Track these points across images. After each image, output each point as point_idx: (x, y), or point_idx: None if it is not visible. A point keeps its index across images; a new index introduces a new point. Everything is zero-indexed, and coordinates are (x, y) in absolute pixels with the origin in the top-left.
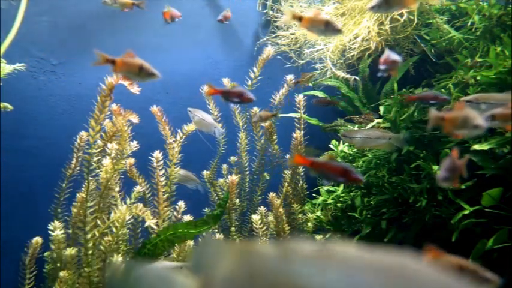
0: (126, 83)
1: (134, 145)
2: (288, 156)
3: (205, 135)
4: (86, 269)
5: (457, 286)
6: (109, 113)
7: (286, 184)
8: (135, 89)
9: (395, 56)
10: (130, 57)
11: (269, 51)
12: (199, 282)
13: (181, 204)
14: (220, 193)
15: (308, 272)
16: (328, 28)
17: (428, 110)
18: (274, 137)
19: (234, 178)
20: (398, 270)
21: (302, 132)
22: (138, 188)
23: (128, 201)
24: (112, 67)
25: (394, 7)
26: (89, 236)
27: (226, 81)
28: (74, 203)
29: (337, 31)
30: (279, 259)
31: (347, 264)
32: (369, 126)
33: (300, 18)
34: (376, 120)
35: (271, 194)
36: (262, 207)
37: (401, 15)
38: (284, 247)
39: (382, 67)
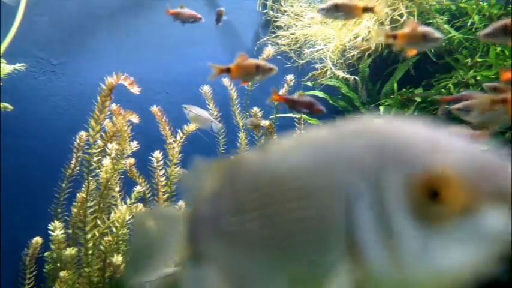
0: (126, 83)
1: (134, 145)
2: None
3: (206, 133)
4: (86, 269)
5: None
6: (109, 113)
7: None
8: (135, 89)
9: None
10: (243, 60)
11: (269, 51)
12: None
13: (182, 204)
14: None
15: (278, 160)
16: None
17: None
18: (274, 137)
19: None
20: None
21: (302, 132)
22: (138, 188)
23: (128, 201)
24: (230, 75)
25: (341, 15)
26: (89, 236)
27: (226, 82)
28: (74, 203)
29: (436, 40)
30: (258, 159)
31: (308, 145)
32: None
33: (394, 36)
34: None
35: None
36: None
37: (401, 15)
38: (263, 148)
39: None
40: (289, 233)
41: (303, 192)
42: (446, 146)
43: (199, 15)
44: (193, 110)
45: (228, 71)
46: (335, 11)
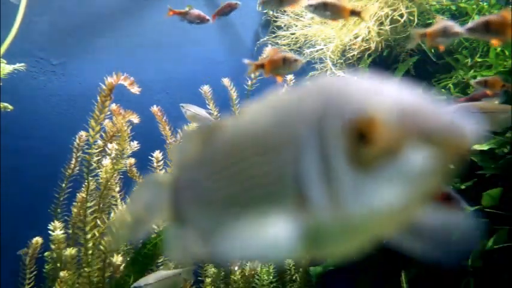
0: (126, 83)
1: (134, 145)
2: None
3: None
4: (86, 269)
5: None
6: (109, 113)
7: None
8: (135, 89)
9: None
10: (274, 54)
11: (269, 51)
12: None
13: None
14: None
15: (243, 122)
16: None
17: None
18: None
19: None
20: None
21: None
22: None
23: (128, 201)
24: (264, 71)
25: (329, 14)
26: (89, 236)
27: (226, 82)
28: (74, 203)
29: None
30: (230, 124)
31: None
32: None
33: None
34: None
35: None
36: None
37: (401, 15)
38: (238, 112)
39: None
40: (249, 188)
41: (261, 149)
42: (380, 92)
43: (207, 17)
44: (191, 109)
45: (262, 66)
46: (323, 9)
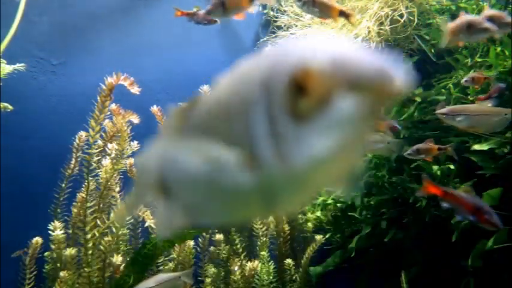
0: (126, 83)
1: (134, 145)
2: None
3: None
4: (86, 269)
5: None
6: (109, 113)
7: None
8: (135, 89)
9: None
10: None
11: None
12: None
13: None
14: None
15: (214, 92)
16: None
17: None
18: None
19: None
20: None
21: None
22: None
23: None
24: None
25: (317, 11)
26: (89, 236)
27: None
28: (74, 203)
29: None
30: (205, 96)
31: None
32: None
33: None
34: None
35: None
36: None
37: (401, 15)
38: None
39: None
40: (216, 156)
41: (224, 116)
42: (315, 46)
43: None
44: None
45: None
46: (311, 6)
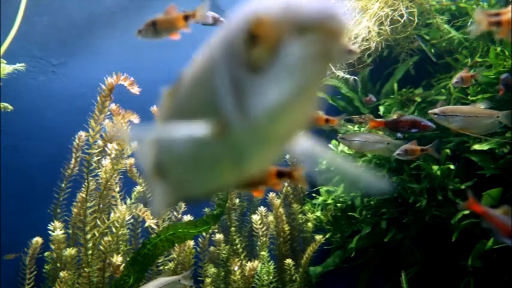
0: (126, 83)
1: (134, 145)
2: (287, 156)
3: None
4: (86, 269)
5: None
6: (109, 113)
7: (286, 184)
8: (135, 89)
9: None
10: None
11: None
12: None
13: (181, 204)
14: (220, 193)
15: (190, 68)
16: None
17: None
18: None
19: (303, 184)
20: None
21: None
22: (138, 188)
23: (128, 201)
24: None
25: (161, 34)
26: (88, 236)
27: None
28: (74, 203)
29: None
30: (183, 75)
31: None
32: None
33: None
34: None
35: (271, 194)
36: (262, 207)
37: (401, 15)
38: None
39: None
40: (192, 116)
41: (199, 86)
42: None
43: (221, 18)
44: None
45: None
46: (153, 30)
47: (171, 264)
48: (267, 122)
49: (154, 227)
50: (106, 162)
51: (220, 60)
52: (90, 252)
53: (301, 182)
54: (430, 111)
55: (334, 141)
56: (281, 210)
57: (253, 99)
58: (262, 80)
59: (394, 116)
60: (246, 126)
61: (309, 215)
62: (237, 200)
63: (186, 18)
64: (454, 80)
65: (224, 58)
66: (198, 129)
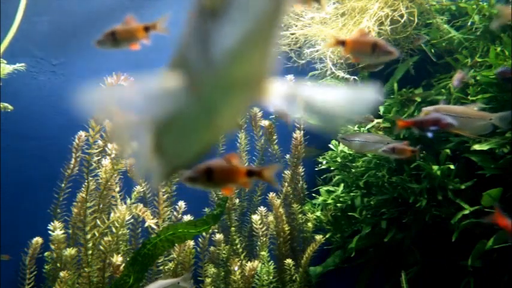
0: (126, 83)
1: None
2: (287, 156)
3: None
4: (86, 269)
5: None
6: None
7: (286, 184)
8: None
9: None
10: (361, 34)
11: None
12: None
13: (181, 204)
14: (220, 193)
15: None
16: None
17: None
18: (274, 137)
19: (274, 183)
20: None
21: (302, 132)
22: (138, 188)
23: (128, 201)
24: (343, 49)
25: (121, 44)
26: (88, 236)
27: None
28: (74, 203)
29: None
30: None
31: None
32: (369, 126)
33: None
34: (376, 121)
35: (271, 194)
36: (262, 207)
37: (401, 16)
38: None
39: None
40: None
41: (177, 53)
42: None
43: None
44: None
45: (342, 44)
46: (112, 41)
47: (171, 264)
48: (228, 65)
49: (154, 227)
50: (106, 162)
51: (189, 15)
52: (90, 252)
53: (271, 181)
54: (424, 109)
55: (334, 141)
56: (281, 210)
57: (213, 44)
58: (220, 24)
59: (421, 115)
60: (211, 73)
61: (309, 215)
62: (237, 200)
63: (147, 29)
64: (454, 82)
65: (191, 11)
66: (169, 81)
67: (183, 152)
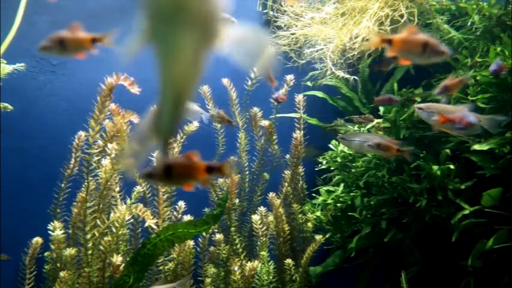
0: (126, 83)
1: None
2: (287, 156)
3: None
4: (86, 269)
5: None
6: (109, 113)
7: (286, 184)
8: (135, 89)
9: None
10: (411, 32)
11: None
12: None
13: (181, 204)
14: (220, 193)
15: None
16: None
17: None
18: (274, 137)
19: (233, 178)
20: None
21: (302, 132)
22: (138, 188)
23: (128, 201)
24: (390, 48)
25: (67, 52)
26: (88, 236)
27: (226, 82)
28: (74, 203)
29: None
30: None
31: None
32: (369, 126)
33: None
34: (376, 121)
35: (271, 194)
36: (262, 207)
37: (401, 15)
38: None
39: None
40: None
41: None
42: None
43: (232, 18)
44: None
45: (389, 42)
46: (59, 49)
47: (171, 264)
48: None
49: (154, 227)
50: (106, 162)
51: None
52: (90, 252)
53: (230, 177)
54: (415, 105)
55: (334, 141)
56: (281, 210)
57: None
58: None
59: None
60: (153, 8)
61: (309, 215)
62: (237, 200)
63: (94, 41)
64: (437, 90)
65: None
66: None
67: (164, 112)
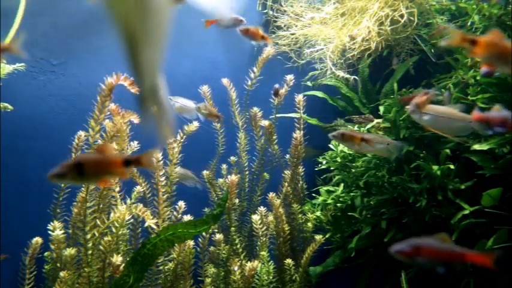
0: (126, 83)
1: (134, 145)
2: (287, 156)
3: (206, 134)
4: (86, 269)
5: None
6: (109, 113)
7: (286, 184)
8: (135, 89)
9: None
10: (498, 38)
11: (269, 51)
12: None
13: (181, 204)
14: (219, 193)
15: None
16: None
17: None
18: (274, 137)
19: (233, 178)
20: None
21: (302, 132)
22: (138, 188)
23: (128, 201)
24: (472, 50)
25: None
26: (88, 236)
27: (226, 82)
28: (74, 203)
29: None
30: None
31: None
32: (369, 126)
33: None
34: (376, 120)
35: (271, 194)
36: (262, 207)
37: (401, 15)
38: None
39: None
40: None
41: None
42: None
43: (239, 18)
44: (179, 101)
45: (473, 43)
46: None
47: (171, 264)
48: None
49: (154, 227)
50: None
51: None
52: (90, 252)
53: (151, 166)
54: (407, 106)
55: (334, 141)
56: (281, 210)
57: None
58: None
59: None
60: None
61: (309, 215)
62: (237, 200)
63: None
64: (410, 108)
65: None
66: None
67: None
